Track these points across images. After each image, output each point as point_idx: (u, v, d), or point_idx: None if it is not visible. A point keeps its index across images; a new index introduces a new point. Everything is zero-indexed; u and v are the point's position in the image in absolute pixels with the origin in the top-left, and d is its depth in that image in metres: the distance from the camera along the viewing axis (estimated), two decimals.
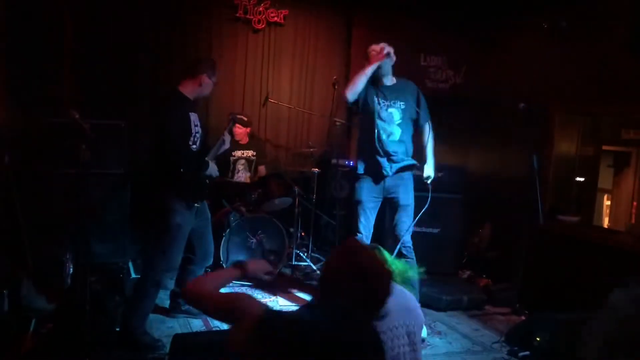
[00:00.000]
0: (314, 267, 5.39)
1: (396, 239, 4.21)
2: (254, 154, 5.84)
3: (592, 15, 5.04)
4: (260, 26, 6.22)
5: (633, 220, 6.13)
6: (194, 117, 3.78)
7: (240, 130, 5.74)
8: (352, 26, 6.66)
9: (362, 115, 4.32)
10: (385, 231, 4.63)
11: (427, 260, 4.95)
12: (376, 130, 4.18)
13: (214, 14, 6.04)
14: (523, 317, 4.46)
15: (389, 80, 4.27)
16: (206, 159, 3.85)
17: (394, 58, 4.20)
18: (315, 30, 6.55)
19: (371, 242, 4.20)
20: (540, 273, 4.88)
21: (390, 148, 4.20)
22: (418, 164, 4.35)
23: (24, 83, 4.56)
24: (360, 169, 4.32)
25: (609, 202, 6.84)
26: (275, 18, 6.27)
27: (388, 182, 4.25)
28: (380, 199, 4.30)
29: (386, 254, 2.61)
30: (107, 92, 5.36)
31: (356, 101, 4.19)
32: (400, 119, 4.24)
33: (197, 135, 3.79)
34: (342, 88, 4.61)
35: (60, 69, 5.19)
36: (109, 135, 4.51)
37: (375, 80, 4.18)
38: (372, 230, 4.31)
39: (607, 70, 4.88)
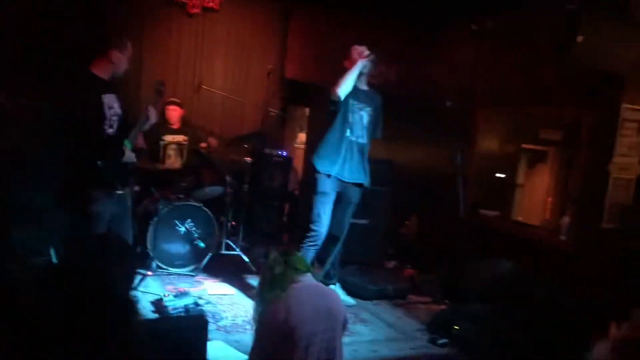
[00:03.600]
0: (244, 257, 5.39)
1: (335, 237, 4.40)
2: (186, 139, 5.75)
3: (518, 20, 5.30)
4: (194, 10, 6.11)
5: (548, 216, 6.52)
6: (109, 98, 3.63)
7: (174, 113, 5.64)
8: (290, 17, 6.66)
9: (332, 114, 4.37)
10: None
11: (356, 250, 5.17)
12: (347, 130, 4.32)
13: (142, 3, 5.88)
14: (444, 307, 4.66)
15: (364, 84, 4.43)
16: (129, 138, 3.74)
17: (373, 63, 4.35)
18: (251, 18, 6.51)
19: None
20: (461, 264, 5.12)
21: (356, 149, 4.37)
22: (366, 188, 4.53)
23: None
24: (325, 164, 4.36)
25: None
26: (211, 3, 6.17)
27: (349, 184, 4.42)
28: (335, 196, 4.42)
29: (296, 255, 2.68)
30: (28, 71, 5.12)
31: (338, 104, 4.27)
32: (367, 123, 4.42)
33: (114, 118, 3.66)
34: (276, 75, 4.62)
35: None
36: (32, 113, 4.31)
37: None
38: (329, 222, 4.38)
39: (530, 73, 5.16)
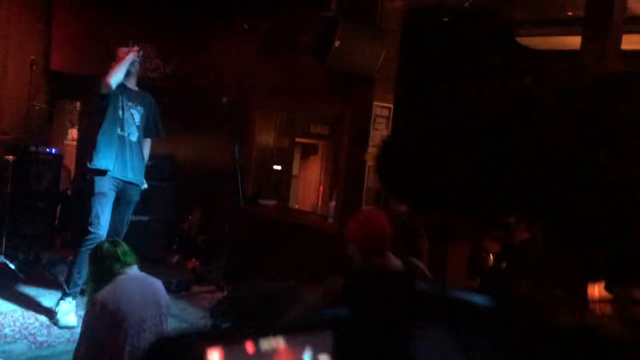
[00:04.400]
0: (10, 265, 4.91)
1: (117, 233, 4.28)
2: None
3: (287, 23, 5.73)
4: None
5: (319, 203, 7.17)
6: None
7: None
8: (52, 5, 6.21)
9: (102, 109, 4.27)
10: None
11: (137, 248, 5.06)
12: (118, 127, 4.24)
13: None
14: (225, 293, 4.87)
15: (133, 84, 4.39)
16: None
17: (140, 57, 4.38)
18: (8, 7, 5.91)
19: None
20: (243, 251, 5.39)
21: (130, 147, 4.31)
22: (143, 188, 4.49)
23: None
24: (101, 161, 4.22)
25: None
26: None
27: (127, 183, 4.33)
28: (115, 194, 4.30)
29: (124, 245, 2.73)
30: None
31: (109, 97, 4.19)
32: (139, 122, 4.38)
33: None
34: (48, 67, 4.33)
35: None
36: None
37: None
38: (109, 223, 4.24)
39: (297, 73, 5.62)
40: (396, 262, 2.43)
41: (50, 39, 6.20)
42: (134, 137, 4.36)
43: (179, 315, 4.40)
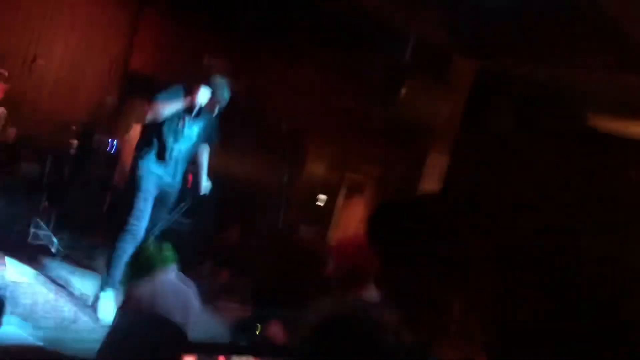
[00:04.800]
0: (54, 240, 5.10)
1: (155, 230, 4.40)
2: (5, 114, 5.33)
3: (358, 61, 5.78)
4: None
5: None
6: None
7: None
8: (143, 6, 6.54)
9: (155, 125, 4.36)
10: None
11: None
12: (172, 135, 4.31)
13: None
14: (251, 309, 4.87)
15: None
16: None
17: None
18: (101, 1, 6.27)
19: None
20: (274, 272, 5.40)
21: (181, 153, 4.39)
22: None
23: None
24: (149, 161, 4.32)
25: None
26: None
27: (167, 187, 4.40)
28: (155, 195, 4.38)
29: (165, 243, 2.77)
30: None
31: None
32: (197, 132, 4.45)
33: None
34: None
35: None
36: None
37: None
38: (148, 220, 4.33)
39: (361, 112, 5.67)
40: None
41: (134, 38, 6.51)
42: (184, 146, 4.40)
43: (203, 325, 4.44)
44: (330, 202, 6.88)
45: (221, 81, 4.33)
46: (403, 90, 4.73)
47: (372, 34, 5.50)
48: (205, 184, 4.63)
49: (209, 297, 5.04)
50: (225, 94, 4.32)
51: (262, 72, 6.79)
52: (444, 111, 4.99)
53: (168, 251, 2.76)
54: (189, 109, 4.29)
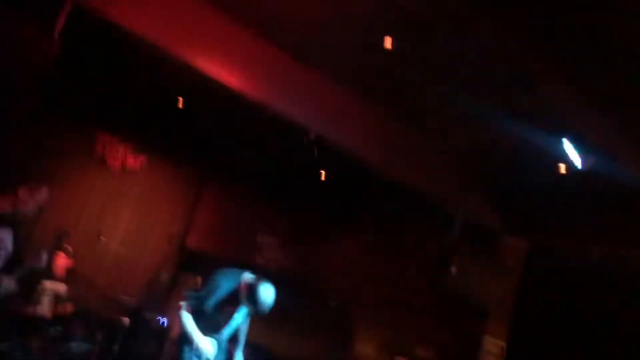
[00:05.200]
0: None
1: None
2: (65, 290, 5.51)
3: (408, 235, 5.85)
4: (115, 167, 6.30)
5: None
6: (2, 232, 3.59)
7: (61, 262, 5.47)
8: (202, 190, 6.99)
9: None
10: None
11: None
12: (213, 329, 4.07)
13: (72, 142, 6.05)
14: None
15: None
16: (17, 272, 3.62)
17: None
18: (166, 184, 6.77)
19: None
20: None
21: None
22: None
23: None
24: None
25: None
26: (132, 163, 6.41)
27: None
28: None
29: None
30: None
31: None
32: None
33: (1, 252, 3.58)
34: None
35: None
36: None
37: None
38: None
39: (411, 289, 5.59)
40: None
41: (193, 217, 6.86)
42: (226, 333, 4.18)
43: None
44: None
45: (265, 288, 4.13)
46: (454, 268, 4.69)
47: (423, 213, 5.62)
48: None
49: None
50: (267, 304, 3.90)
51: (309, 248, 6.91)
52: (498, 291, 4.87)
53: None
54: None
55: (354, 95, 5.12)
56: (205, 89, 4.65)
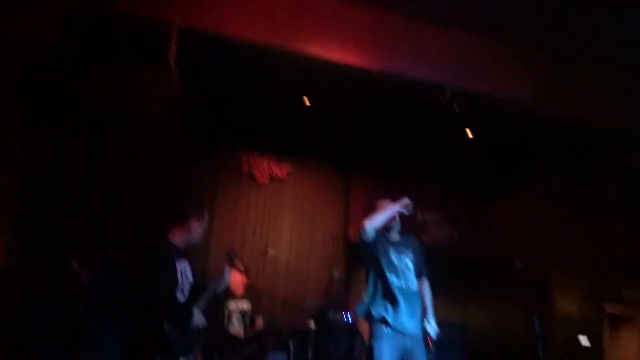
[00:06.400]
0: None
1: None
2: (249, 306, 5.71)
3: (589, 182, 5.26)
4: (263, 180, 6.46)
5: None
6: (182, 265, 3.71)
7: (237, 279, 5.68)
8: (351, 183, 6.91)
9: (369, 260, 4.11)
10: None
11: None
12: (394, 276, 4.01)
13: (218, 165, 6.31)
14: None
15: (396, 235, 4.21)
16: (197, 304, 3.74)
17: (410, 212, 4.14)
18: (315, 184, 6.80)
19: None
20: None
21: (410, 297, 4.01)
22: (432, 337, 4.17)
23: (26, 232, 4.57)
24: (377, 311, 3.97)
25: None
26: (278, 173, 6.53)
27: (407, 342, 3.93)
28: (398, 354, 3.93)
29: None
30: (107, 240, 5.38)
31: (368, 244, 4.04)
32: (413, 269, 4.12)
33: (187, 285, 3.71)
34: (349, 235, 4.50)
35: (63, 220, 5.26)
36: (106, 284, 4.46)
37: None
38: None
39: (608, 232, 4.98)
40: None
41: (349, 213, 6.80)
42: (413, 286, 4.05)
43: None
44: (595, 344, 5.85)
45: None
46: None
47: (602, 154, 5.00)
48: (433, 326, 4.14)
49: None
50: None
51: (479, 215, 6.51)
52: None
53: None
54: (389, 239, 4.10)
55: (481, 41, 4.69)
56: (329, 75, 4.52)
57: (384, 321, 3.94)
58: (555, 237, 5.36)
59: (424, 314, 4.16)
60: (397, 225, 4.21)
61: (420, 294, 4.14)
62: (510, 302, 5.72)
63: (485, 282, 6.06)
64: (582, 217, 5.19)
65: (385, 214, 4.06)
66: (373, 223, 4.03)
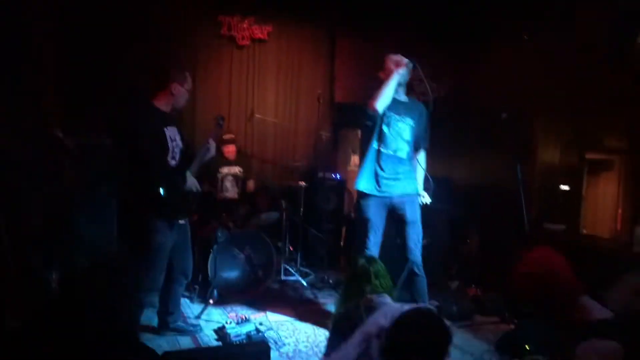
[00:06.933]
0: (303, 282, 5.37)
1: (404, 256, 4.12)
2: (241, 170, 5.84)
3: (567, 25, 5.14)
4: (244, 42, 6.27)
5: (619, 227, 6.18)
6: (170, 131, 3.71)
7: (229, 149, 5.75)
8: (336, 38, 6.73)
9: (369, 129, 4.10)
10: (390, 248, 4.36)
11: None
12: (382, 145, 4.05)
13: (198, 31, 6.09)
14: (512, 326, 4.46)
15: (402, 95, 4.13)
16: (189, 169, 3.82)
17: (410, 69, 4.04)
18: (298, 44, 6.62)
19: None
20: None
21: (398, 164, 4.08)
22: (421, 195, 4.28)
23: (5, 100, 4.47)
24: (362, 182, 4.10)
25: None
26: (259, 34, 6.32)
27: (395, 199, 4.11)
28: (385, 215, 4.13)
29: (380, 266, 2.61)
30: (91, 109, 5.33)
31: (376, 117, 3.99)
32: (409, 136, 4.14)
33: (176, 150, 3.75)
34: (329, 99, 4.51)
35: (43, 85, 5.15)
36: (94, 153, 4.48)
37: None
38: (379, 249, 4.14)
39: (588, 77, 4.96)
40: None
41: (334, 72, 6.70)
42: (402, 154, 4.10)
43: (462, 346, 4.16)
44: (574, 190, 6.09)
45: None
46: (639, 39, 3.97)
47: None
48: (425, 193, 4.30)
49: (463, 315, 4.76)
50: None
51: (463, 68, 6.42)
52: None
53: (379, 274, 2.56)
54: (394, 108, 4.03)
55: None
56: None
57: (370, 194, 4.07)
58: (538, 85, 5.34)
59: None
60: (404, 84, 4.09)
61: (412, 163, 4.19)
62: (494, 153, 5.83)
63: (470, 134, 6.13)
64: (563, 63, 5.13)
65: (388, 86, 3.92)
66: (382, 100, 3.91)
